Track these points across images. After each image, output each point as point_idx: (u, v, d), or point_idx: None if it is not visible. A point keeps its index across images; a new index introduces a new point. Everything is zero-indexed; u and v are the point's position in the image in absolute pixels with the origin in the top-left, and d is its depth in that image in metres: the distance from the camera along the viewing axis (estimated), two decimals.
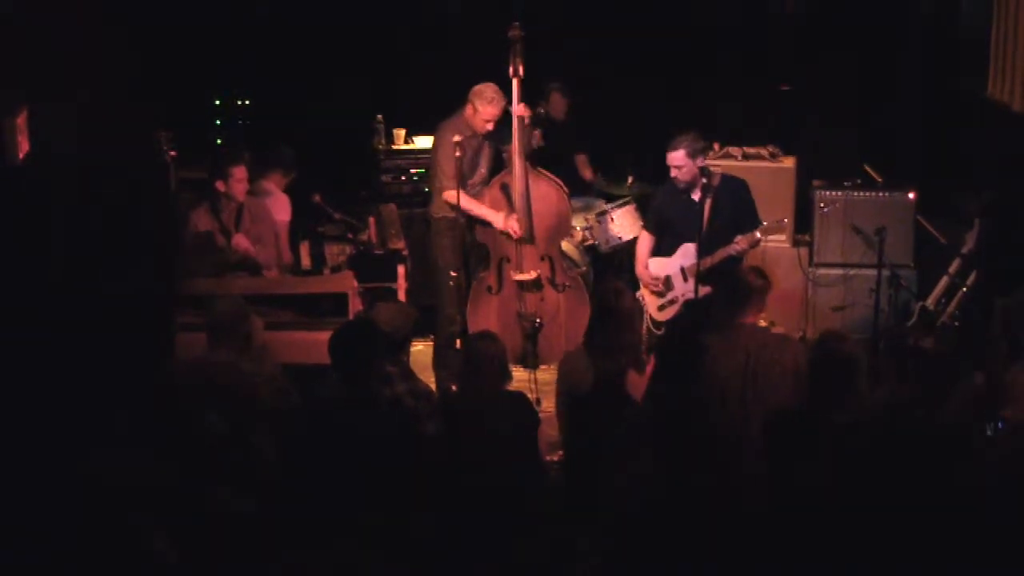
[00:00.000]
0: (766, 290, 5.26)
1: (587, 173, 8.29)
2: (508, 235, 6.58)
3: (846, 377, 4.46)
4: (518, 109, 6.48)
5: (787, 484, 4.16)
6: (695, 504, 3.94)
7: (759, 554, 3.86)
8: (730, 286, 5.38)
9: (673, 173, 6.19)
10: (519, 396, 5.05)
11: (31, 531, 3.58)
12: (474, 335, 5.83)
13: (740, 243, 6.18)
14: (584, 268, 7.40)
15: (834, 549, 3.88)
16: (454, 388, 5.76)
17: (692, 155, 6.18)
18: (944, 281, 7.16)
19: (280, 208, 7.03)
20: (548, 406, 6.15)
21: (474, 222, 6.66)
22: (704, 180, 6.14)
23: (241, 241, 6.56)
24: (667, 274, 6.40)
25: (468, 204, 6.55)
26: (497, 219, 6.56)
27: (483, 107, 6.53)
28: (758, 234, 6.23)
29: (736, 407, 4.93)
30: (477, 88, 6.57)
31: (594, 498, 4.26)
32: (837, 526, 3.94)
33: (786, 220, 6.96)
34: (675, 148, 6.17)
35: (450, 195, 6.48)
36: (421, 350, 6.80)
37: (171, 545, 3.61)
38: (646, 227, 6.58)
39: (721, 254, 6.18)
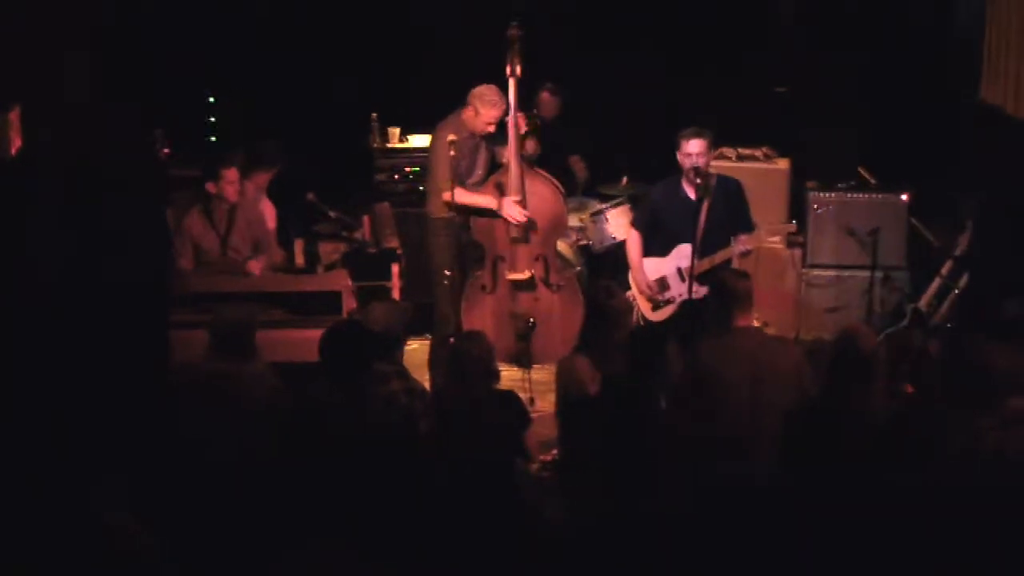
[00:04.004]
0: (750, 290, 5.27)
1: (580, 172, 8.29)
2: (503, 234, 6.57)
3: (864, 375, 4.48)
4: (515, 119, 6.47)
5: (798, 480, 4.17)
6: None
7: (764, 554, 3.87)
8: (716, 291, 5.40)
9: (693, 161, 6.12)
10: (508, 395, 5.05)
11: (24, 529, 3.57)
12: (460, 335, 5.83)
13: (746, 244, 6.17)
14: (579, 268, 7.40)
15: (840, 549, 3.90)
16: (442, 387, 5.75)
17: (711, 146, 6.22)
18: (936, 283, 7.18)
19: (266, 216, 7.03)
20: (542, 406, 6.16)
21: (470, 218, 6.65)
22: (700, 180, 6.14)
23: (255, 267, 6.57)
24: (663, 275, 6.40)
25: (465, 197, 6.53)
26: (494, 203, 6.53)
27: (485, 110, 6.51)
28: (762, 234, 6.24)
29: (744, 411, 4.92)
30: (478, 90, 6.54)
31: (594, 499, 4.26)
32: (845, 524, 3.95)
33: (794, 222, 6.99)
34: (699, 136, 6.16)
35: (447, 195, 6.47)
36: (416, 349, 6.80)
37: (151, 541, 3.59)
38: (635, 224, 6.51)
39: (723, 255, 6.18)
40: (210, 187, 6.58)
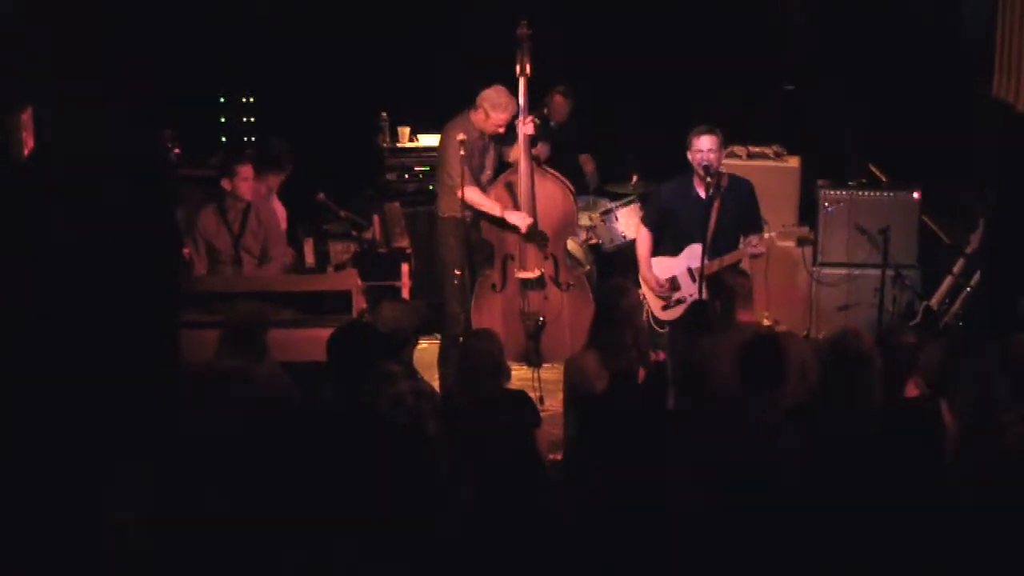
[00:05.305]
0: (747, 286, 5.33)
1: (589, 169, 8.28)
2: (514, 232, 6.58)
3: (859, 374, 4.47)
4: (525, 127, 6.47)
5: (795, 476, 4.18)
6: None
7: (758, 551, 3.87)
8: (715, 289, 5.45)
9: (704, 157, 6.12)
10: (519, 394, 5.04)
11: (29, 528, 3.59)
12: (469, 333, 5.82)
13: (757, 247, 6.16)
14: (588, 267, 7.40)
15: (830, 547, 3.89)
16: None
17: (723, 144, 6.20)
18: (948, 281, 7.16)
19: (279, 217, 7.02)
20: (551, 405, 6.16)
21: (479, 220, 6.66)
22: (711, 179, 6.13)
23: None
24: (673, 274, 6.39)
25: (476, 197, 6.54)
26: (500, 212, 6.54)
27: (495, 114, 6.52)
28: (771, 235, 6.23)
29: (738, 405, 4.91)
30: (487, 93, 6.54)
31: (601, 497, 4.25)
32: (837, 523, 3.95)
33: (807, 227, 6.97)
34: (711, 132, 6.16)
35: (460, 192, 6.47)
36: (427, 348, 6.80)
37: (144, 535, 3.59)
38: (645, 222, 6.50)
39: (733, 257, 6.16)
40: (225, 184, 6.57)
